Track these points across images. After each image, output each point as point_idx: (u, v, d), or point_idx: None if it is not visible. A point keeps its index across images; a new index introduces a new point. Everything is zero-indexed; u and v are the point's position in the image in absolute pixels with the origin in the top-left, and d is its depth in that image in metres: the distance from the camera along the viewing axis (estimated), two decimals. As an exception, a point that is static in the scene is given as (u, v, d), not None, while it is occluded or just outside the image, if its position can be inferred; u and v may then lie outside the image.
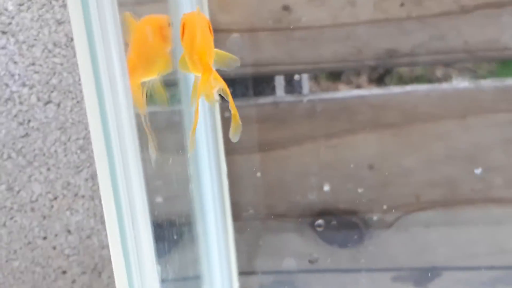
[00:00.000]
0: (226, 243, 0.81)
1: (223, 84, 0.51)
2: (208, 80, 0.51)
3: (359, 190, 0.92)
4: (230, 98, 0.53)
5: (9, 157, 0.85)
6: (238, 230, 0.95)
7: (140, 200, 0.46)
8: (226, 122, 0.86)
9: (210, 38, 0.52)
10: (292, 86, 0.98)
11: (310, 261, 0.94)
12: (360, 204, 0.93)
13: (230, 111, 0.56)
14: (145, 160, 0.49)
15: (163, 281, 0.50)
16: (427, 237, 0.93)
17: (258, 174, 0.93)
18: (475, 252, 0.92)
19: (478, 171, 0.88)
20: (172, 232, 0.67)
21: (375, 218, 0.93)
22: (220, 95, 0.55)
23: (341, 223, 0.94)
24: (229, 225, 0.83)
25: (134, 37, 0.55)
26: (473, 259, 0.92)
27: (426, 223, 0.93)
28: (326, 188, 0.93)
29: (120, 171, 0.46)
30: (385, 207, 0.93)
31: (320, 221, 0.93)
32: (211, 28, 0.53)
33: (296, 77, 0.95)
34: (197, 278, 0.76)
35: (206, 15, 0.79)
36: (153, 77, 0.57)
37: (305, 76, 1.03)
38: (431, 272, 0.91)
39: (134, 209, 0.46)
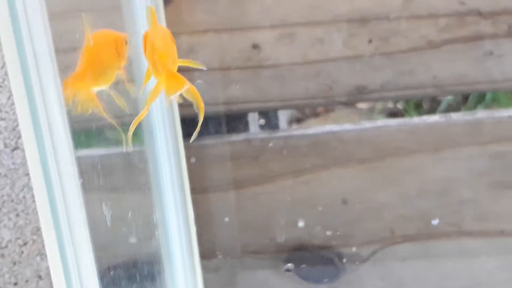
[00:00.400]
0: (194, 284, 0.81)
1: (188, 85, 0.51)
2: (173, 83, 0.51)
3: (334, 226, 0.92)
4: (198, 99, 0.53)
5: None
6: (212, 269, 0.94)
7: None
8: (192, 167, 0.86)
9: (172, 44, 0.52)
10: (268, 120, 0.99)
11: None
12: (335, 239, 0.93)
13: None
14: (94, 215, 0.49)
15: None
16: (402, 271, 0.93)
17: (231, 213, 0.93)
18: (450, 286, 0.92)
19: (435, 222, 0.89)
20: (138, 274, 0.67)
21: (350, 253, 0.93)
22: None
23: (316, 259, 0.94)
24: (197, 265, 0.82)
25: (87, 45, 0.55)
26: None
27: (401, 257, 0.93)
28: (301, 224, 0.93)
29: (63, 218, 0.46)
30: (360, 242, 0.93)
31: (289, 265, 0.92)
32: (173, 38, 0.54)
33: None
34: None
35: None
36: (103, 88, 0.57)
37: (281, 112, 1.03)
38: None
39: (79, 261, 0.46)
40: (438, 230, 0.91)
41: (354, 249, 0.93)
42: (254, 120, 0.99)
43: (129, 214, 0.68)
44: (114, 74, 0.57)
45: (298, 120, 1.61)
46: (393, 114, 1.15)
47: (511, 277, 0.91)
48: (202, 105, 0.52)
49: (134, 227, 0.71)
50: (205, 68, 0.55)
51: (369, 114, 1.12)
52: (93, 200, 0.56)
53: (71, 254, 0.46)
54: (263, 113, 0.97)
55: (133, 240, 0.73)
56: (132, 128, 0.53)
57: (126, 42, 0.58)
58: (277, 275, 0.95)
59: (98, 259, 0.50)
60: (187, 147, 0.84)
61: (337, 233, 0.92)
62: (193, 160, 0.88)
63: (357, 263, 0.93)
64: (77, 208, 0.45)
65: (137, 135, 0.74)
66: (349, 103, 0.90)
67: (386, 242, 0.92)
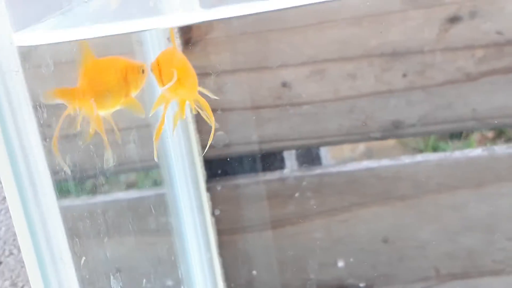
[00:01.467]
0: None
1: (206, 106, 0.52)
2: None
3: (375, 265, 0.89)
4: (207, 108, 0.53)
5: (11, 253, 0.85)
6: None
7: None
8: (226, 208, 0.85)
9: (190, 68, 0.52)
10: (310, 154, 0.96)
11: None
12: (377, 279, 0.90)
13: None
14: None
15: None
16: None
17: (269, 254, 0.91)
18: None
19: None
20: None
21: (395, 291, 0.90)
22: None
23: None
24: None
25: (89, 68, 0.53)
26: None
27: (447, 297, 0.88)
28: (340, 264, 0.90)
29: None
30: (403, 281, 0.89)
31: None
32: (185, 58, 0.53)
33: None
34: None
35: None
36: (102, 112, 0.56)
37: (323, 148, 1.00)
38: None
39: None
40: (486, 269, 0.87)
41: (399, 285, 0.90)
42: (291, 154, 0.97)
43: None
44: (117, 101, 0.55)
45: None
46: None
47: None
48: (211, 114, 0.53)
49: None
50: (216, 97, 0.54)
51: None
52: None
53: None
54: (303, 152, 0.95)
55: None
56: (156, 138, 0.53)
57: (142, 71, 0.56)
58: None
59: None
60: (217, 191, 0.83)
61: (379, 273, 0.89)
62: (217, 212, 0.87)
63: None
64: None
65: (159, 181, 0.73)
66: (385, 139, 0.87)
67: (431, 281, 0.89)
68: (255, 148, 0.89)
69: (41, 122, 0.47)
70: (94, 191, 0.60)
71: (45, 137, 0.47)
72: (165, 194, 0.73)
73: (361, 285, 0.90)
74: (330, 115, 0.86)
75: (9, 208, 0.44)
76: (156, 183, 0.77)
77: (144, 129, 0.77)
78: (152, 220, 0.72)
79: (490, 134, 0.97)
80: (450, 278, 0.88)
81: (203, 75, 0.88)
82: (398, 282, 0.90)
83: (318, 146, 0.92)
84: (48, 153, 0.50)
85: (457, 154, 0.87)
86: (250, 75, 0.86)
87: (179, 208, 0.73)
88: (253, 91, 0.86)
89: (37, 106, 0.46)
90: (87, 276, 0.53)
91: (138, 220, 0.69)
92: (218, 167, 0.90)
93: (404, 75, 0.82)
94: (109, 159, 0.55)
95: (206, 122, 0.54)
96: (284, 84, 0.85)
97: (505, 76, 0.80)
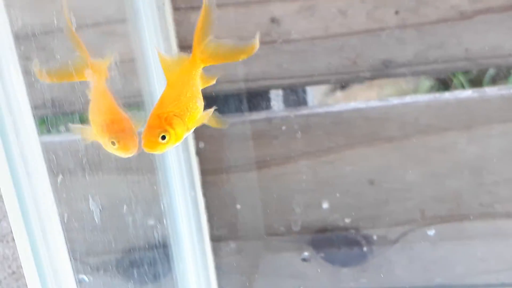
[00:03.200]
0: (205, 264, 0.78)
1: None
2: None
3: (360, 207, 0.88)
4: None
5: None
6: (234, 252, 0.92)
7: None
8: (208, 147, 0.83)
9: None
10: (296, 95, 0.94)
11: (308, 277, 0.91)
12: (362, 221, 0.89)
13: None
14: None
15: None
16: (432, 254, 0.88)
17: (253, 194, 0.90)
18: (484, 269, 0.87)
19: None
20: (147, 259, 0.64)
21: (377, 235, 0.89)
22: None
23: (342, 242, 0.90)
24: (207, 246, 0.80)
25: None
26: (482, 276, 0.87)
27: (431, 240, 0.88)
28: (325, 205, 0.89)
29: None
30: (388, 223, 0.88)
31: (306, 254, 0.89)
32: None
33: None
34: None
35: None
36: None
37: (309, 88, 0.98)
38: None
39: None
40: (471, 211, 0.86)
41: (381, 231, 0.89)
42: (277, 96, 0.95)
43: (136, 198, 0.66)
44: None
45: (343, 87, 1.55)
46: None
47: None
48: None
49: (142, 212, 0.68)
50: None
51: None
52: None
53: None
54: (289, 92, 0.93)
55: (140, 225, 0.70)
56: None
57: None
58: (302, 257, 0.92)
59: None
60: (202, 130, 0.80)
61: (364, 215, 0.88)
62: (201, 144, 0.85)
63: (384, 246, 0.89)
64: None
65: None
66: (374, 78, 0.85)
67: (416, 224, 0.88)
68: (241, 86, 0.87)
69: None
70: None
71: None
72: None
73: (345, 225, 0.89)
74: (319, 53, 0.83)
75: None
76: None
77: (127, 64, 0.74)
78: (135, 157, 0.69)
79: None
80: (436, 221, 0.88)
81: (188, 9, 0.84)
82: (383, 224, 0.89)
83: (306, 85, 0.90)
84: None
85: (447, 95, 0.85)
86: (237, 10, 0.82)
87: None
88: (241, 26, 0.83)
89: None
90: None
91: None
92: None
93: (397, 12, 0.80)
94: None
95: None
96: (273, 20, 0.82)
97: (499, 15, 0.78)
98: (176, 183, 0.74)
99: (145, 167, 0.73)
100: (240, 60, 0.55)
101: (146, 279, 0.65)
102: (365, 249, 0.90)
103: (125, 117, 0.55)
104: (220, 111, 0.83)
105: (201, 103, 0.54)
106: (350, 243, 0.90)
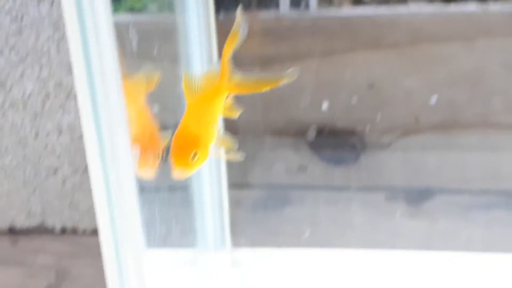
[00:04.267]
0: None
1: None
2: None
3: (358, 109, 0.91)
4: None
5: (1, 53, 0.85)
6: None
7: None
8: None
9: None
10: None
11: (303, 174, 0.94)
12: (358, 123, 0.92)
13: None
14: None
15: (142, 190, 0.50)
16: (423, 159, 0.93)
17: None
18: (470, 176, 0.92)
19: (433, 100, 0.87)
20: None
21: (372, 138, 0.93)
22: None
23: (337, 142, 0.94)
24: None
25: None
26: (468, 183, 0.92)
27: (423, 146, 0.92)
28: (324, 106, 0.92)
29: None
30: (383, 127, 0.92)
31: (302, 152, 0.92)
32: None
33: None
34: (186, 188, 0.76)
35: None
36: None
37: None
38: (425, 193, 0.91)
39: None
40: (464, 121, 0.90)
41: (376, 134, 0.93)
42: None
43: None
44: None
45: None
46: None
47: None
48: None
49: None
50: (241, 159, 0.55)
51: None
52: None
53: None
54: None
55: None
56: None
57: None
58: (297, 155, 0.96)
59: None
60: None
61: (361, 118, 0.92)
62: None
63: (378, 148, 0.93)
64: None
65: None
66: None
67: (410, 129, 0.91)
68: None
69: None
70: None
71: None
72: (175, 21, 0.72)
73: (342, 127, 0.92)
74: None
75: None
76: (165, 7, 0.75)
77: None
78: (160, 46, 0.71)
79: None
80: (429, 128, 0.91)
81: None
82: (378, 127, 0.92)
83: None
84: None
85: (452, 7, 0.87)
86: None
87: (188, 37, 0.72)
88: None
89: None
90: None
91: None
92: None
93: None
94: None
95: None
96: None
97: None
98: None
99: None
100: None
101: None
102: (359, 150, 0.94)
103: (154, 137, 0.54)
104: (230, 8, 0.85)
105: (217, 128, 0.54)
106: (345, 144, 0.94)
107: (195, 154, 0.50)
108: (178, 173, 0.50)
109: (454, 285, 0.74)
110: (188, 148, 0.50)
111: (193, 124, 0.52)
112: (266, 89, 0.54)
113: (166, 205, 0.62)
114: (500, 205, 0.89)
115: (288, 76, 0.52)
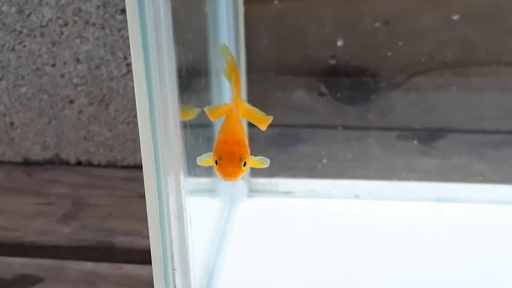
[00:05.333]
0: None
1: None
2: None
3: (372, 47, 0.91)
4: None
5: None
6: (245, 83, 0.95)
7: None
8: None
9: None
10: None
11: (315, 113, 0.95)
12: (373, 61, 0.92)
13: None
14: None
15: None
16: (436, 98, 0.93)
17: (267, 26, 0.92)
18: (482, 115, 0.92)
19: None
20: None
21: (385, 76, 0.93)
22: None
23: (350, 80, 0.94)
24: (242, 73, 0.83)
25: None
26: (480, 122, 0.92)
27: (436, 84, 0.92)
28: (340, 43, 0.92)
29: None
30: (397, 66, 0.92)
31: (315, 90, 0.92)
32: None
33: None
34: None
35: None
36: None
37: None
38: (437, 132, 0.92)
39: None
40: (478, 59, 0.90)
41: (389, 72, 0.93)
42: None
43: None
44: None
45: None
46: None
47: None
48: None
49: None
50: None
51: None
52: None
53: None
54: None
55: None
56: None
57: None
58: (311, 93, 0.96)
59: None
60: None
61: (374, 56, 0.92)
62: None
63: (391, 87, 0.93)
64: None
65: None
66: None
67: (424, 67, 0.91)
68: None
69: None
70: None
71: None
72: None
73: (356, 65, 0.92)
74: None
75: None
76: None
77: None
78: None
79: None
80: (443, 66, 0.91)
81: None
82: (392, 66, 0.92)
83: None
84: None
85: None
86: None
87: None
88: None
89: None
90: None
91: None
92: None
93: None
94: None
95: None
96: None
97: None
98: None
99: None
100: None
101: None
102: (372, 89, 0.94)
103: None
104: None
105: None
106: (358, 83, 0.94)
107: (242, 159, 0.52)
108: (228, 177, 0.52)
109: (465, 217, 0.75)
110: (239, 153, 0.52)
111: (236, 131, 0.54)
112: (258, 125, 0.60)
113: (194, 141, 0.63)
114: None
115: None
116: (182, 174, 0.52)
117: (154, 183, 0.50)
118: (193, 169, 0.57)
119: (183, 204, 0.51)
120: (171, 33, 0.48)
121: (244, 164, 0.52)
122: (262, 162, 0.57)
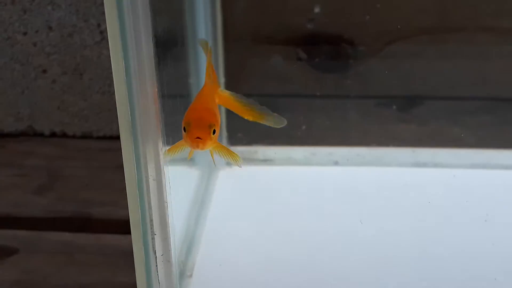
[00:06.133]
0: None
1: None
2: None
3: (349, 13, 0.91)
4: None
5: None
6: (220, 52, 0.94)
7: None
8: None
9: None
10: None
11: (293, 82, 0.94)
12: (350, 29, 0.92)
13: None
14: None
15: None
16: (413, 65, 0.93)
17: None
18: (459, 82, 0.92)
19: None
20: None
21: (363, 44, 0.92)
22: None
23: (328, 48, 0.94)
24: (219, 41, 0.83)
25: None
26: (457, 89, 0.93)
27: (413, 52, 0.92)
28: (317, 9, 0.91)
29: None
30: (374, 33, 0.92)
31: (293, 58, 0.92)
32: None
33: None
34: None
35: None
36: None
37: None
38: (414, 99, 0.92)
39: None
40: (454, 25, 0.90)
41: (367, 40, 0.92)
42: None
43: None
44: None
45: None
46: None
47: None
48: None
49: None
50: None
51: None
52: None
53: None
54: None
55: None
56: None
57: None
58: (287, 62, 0.95)
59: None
60: None
61: (352, 23, 0.91)
62: None
63: (369, 55, 0.93)
64: None
65: None
66: None
67: (401, 34, 0.91)
68: None
69: None
70: None
71: None
72: None
73: (333, 32, 0.92)
74: None
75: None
76: None
77: None
78: None
79: None
80: (420, 32, 0.91)
81: None
82: (369, 33, 0.92)
83: None
84: None
85: None
86: None
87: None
88: None
89: None
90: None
91: None
92: None
93: None
94: None
95: None
96: None
97: None
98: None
99: None
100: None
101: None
102: (349, 56, 0.94)
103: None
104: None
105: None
106: (336, 50, 0.94)
107: (211, 126, 0.52)
108: (196, 144, 0.51)
109: (443, 181, 0.76)
110: (208, 119, 0.52)
111: (208, 102, 0.55)
112: (248, 118, 0.60)
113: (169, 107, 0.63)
114: (487, 109, 0.90)
115: (275, 122, 0.61)
116: (161, 141, 0.51)
117: (132, 151, 0.49)
118: (171, 137, 0.57)
119: (161, 169, 0.51)
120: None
121: (214, 132, 0.52)
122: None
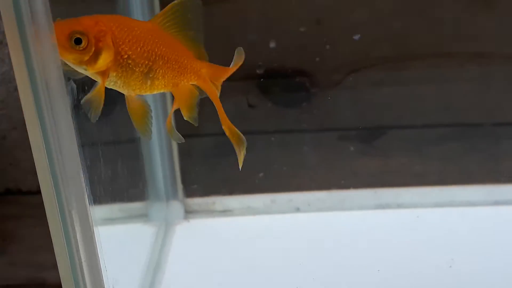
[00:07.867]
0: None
1: None
2: None
3: (306, 47, 0.90)
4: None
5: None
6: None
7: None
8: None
9: None
10: None
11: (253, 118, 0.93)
12: (307, 62, 0.91)
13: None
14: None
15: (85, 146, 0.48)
16: (374, 95, 0.92)
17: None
18: (422, 110, 0.92)
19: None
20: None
21: (322, 76, 0.91)
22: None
23: (287, 83, 0.93)
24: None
25: None
26: (421, 117, 0.92)
27: (374, 81, 0.91)
28: (272, 45, 0.90)
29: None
30: (332, 65, 0.91)
31: (251, 95, 0.91)
32: None
33: None
34: (134, 141, 0.74)
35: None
36: None
37: None
38: (377, 130, 0.91)
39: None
40: (415, 53, 0.89)
41: (326, 72, 0.91)
42: None
43: None
44: None
45: None
46: None
47: (482, 101, 0.90)
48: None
49: None
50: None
51: None
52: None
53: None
54: None
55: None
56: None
57: None
58: (247, 99, 0.94)
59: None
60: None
61: (309, 56, 0.90)
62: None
63: (328, 87, 0.92)
64: None
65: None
66: None
67: (360, 65, 0.90)
68: None
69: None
70: None
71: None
72: None
73: (291, 66, 0.91)
74: None
75: None
76: None
77: None
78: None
79: None
80: (379, 62, 0.90)
81: None
82: (328, 65, 0.91)
83: None
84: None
85: None
86: None
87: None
88: None
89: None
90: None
91: None
92: None
93: None
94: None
95: None
96: None
97: None
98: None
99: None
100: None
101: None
102: (309, 90, 0.92)
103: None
104: None
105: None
106: (294, 84, 0.93)
107: (79, 37, 0.42)
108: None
109: (405, 223, 0.75)
110: (70, 26, 0.42)
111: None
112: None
113: (114, 159, 0.60)
114: (453, 136, 0.89)
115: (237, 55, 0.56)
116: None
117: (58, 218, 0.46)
118: (119, 195, 0.55)
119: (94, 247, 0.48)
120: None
121: (83, 47, 0.42)
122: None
